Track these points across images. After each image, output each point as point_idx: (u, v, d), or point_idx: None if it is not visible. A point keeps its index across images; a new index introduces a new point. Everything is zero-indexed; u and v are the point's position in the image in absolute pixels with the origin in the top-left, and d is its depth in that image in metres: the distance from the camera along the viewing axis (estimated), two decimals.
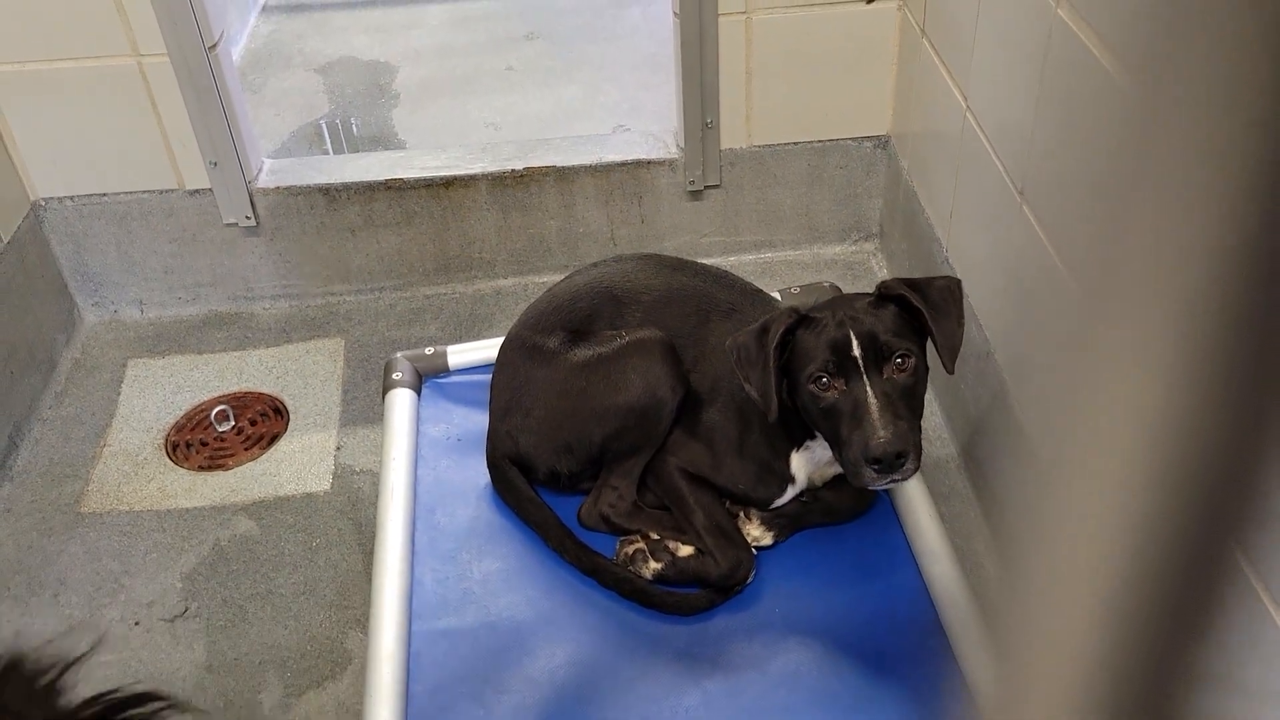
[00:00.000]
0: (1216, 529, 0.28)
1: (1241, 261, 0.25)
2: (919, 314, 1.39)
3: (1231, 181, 0.24)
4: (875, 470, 1.33)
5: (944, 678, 1.44)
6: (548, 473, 1.66)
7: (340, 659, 1.71)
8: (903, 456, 1.32)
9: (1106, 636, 0.30)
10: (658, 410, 1.58)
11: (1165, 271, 0.26)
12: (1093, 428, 0.29)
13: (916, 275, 2.16)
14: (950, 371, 1.41)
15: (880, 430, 1.32)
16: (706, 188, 2.38)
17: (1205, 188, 0.25)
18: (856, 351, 1.36)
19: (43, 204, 2.32)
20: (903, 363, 1.37)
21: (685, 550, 1.55)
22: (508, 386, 1.71)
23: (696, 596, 1.54)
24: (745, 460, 1.57)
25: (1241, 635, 0.97)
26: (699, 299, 1.67)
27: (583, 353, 1.64)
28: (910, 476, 1.37)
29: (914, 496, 1.67)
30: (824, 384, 1.38)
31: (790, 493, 1.58)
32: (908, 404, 1.37)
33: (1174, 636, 0.29)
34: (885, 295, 1.42)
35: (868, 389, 1.35)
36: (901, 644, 1.50)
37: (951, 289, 1.43)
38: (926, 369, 1.41)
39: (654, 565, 1.54)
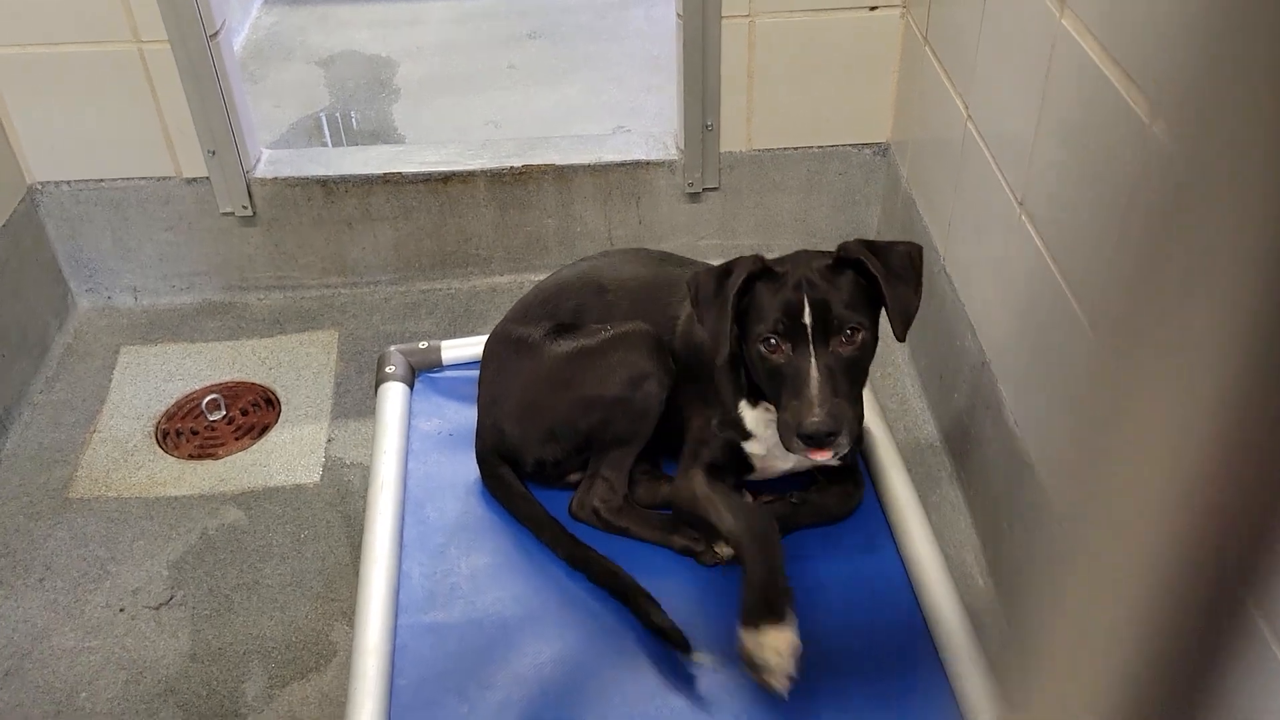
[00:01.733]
0: (1233, 583, 0.28)
1: (1275, 323, 0.24)
2: (876, 280, 1.39)
3: (1272, 241, 0.24)
4: (805, 444, 1.33)
5: (931, 685, 1.44)
6: (534, 463, 1.66)
7: (325, 651, 1.71)
8: (834, 435, 1.32)
9: (1121, 688, 0.30)
10: (643, 403, 1.58)
11: (1196, 328, 0.25)
12: (1112, 482, 0.29)
13: None
14: (901, 339, 1.41)
15: (816, 407, 1.32)
16: (705, 190, 2.38)
17: (1243, 247, 0.24)
18: (807, 319, 1.35)
19: (39, 188, 2.31)
20: (851, 336, 1.37)
21: (725, 550, 1.55)
22: (493, 379, 1.72)
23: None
24: (710, 407, 1.56)
25: (1255, 689, 0.96)
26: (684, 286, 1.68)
27: (567, 344, 1.65)
28: (842, 453, 1.37)
29: (905, 506, 1.67)
30: (771, 345, 1.37)
31: (755, 448, 1.55)
32: (850, 378, 1.37)
33: (1188, 689, 0.29)
34: (844, 259, 1.41)
35: (812, 360, 1.35)
36: (889, 651, 1.50)
37: (912, 255, 1.42)
38: (876, 340, 1.41)
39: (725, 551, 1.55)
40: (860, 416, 1.38)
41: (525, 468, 1.68)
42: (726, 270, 1.43)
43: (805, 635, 1.48)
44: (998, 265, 1.69)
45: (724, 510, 1.50)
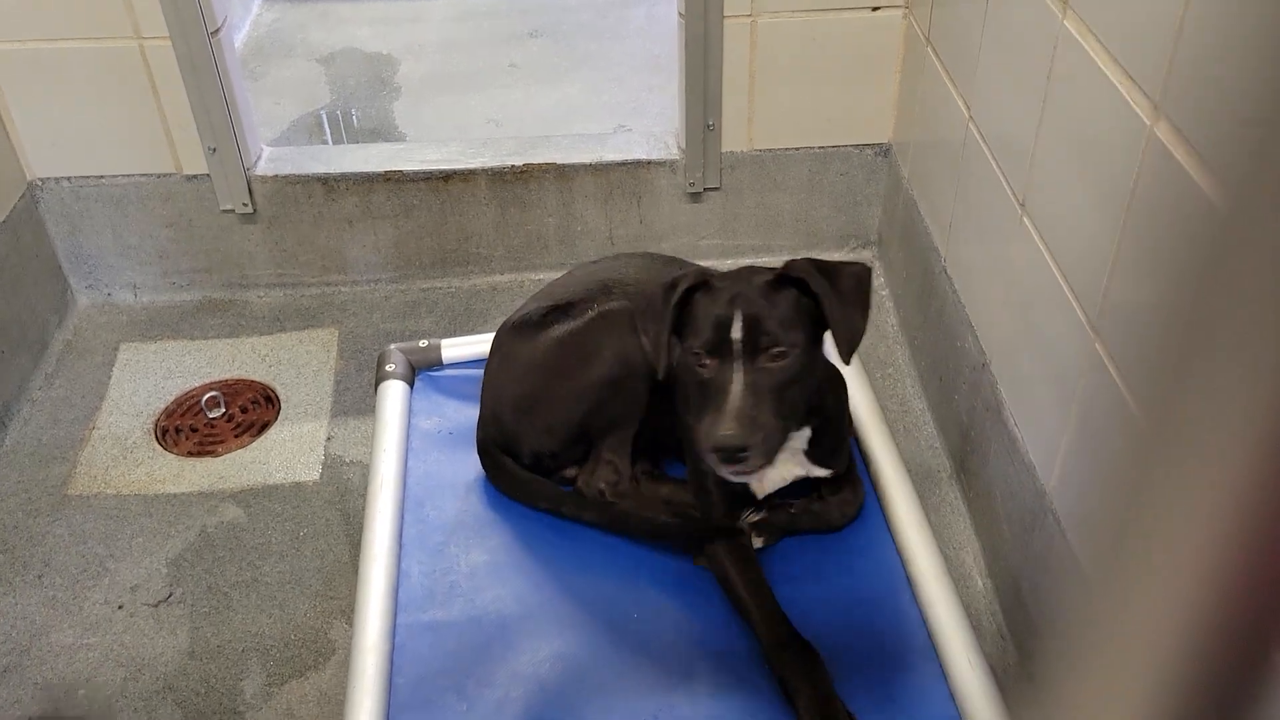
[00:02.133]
0: (1261, 633, 0.27)
1: None
2: (820, 301, 1.37)
3: None
4: (718, 458, 1.31)
5: (929, 684, 1.43)
6: (531, 455, 1.67)
7: (324, 649, 1.71)
8: (744, 451, 1.29)
9: None
10: (632, 379, 1.59)
11: (1237, 392, 0.25)
12: (1148, 547, 0.28)
13: (914, 286, 2.16)
14: (847, 363, 1.40)
15: (728, 421, 1.29)
16: (706, 190, 2.38)
17: None
18: (737, 334, 1.34)
19: (39, 184, 2.31)
20: (780, 355, 1.34)
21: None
22: (496, 369, 1.74)
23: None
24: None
25: None
26: None
27: (559, 329, 1.66)
28: (755, 471, 1.35)
29: (904, 506, 1.67)
30: (699, 359, 1.36)
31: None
32: (776, 397, 1.33)
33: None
34: (788, 277, 1.39)
35: (735, 375, 1.32)
36: (887, 651, 1.50)
37: (860, 277, 1.39)
38: (811, 363, 1.39)
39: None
40: (775, 441, 1.34)
41: (523, 459, 1.68)
42: (671, 284, 1.42)
43: (804, 634, 1.48)
44: (999, 266, 1.69)
45: (757, 618, 1.46)
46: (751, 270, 1.44)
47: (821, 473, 1.56)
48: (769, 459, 1.34)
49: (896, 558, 1.61)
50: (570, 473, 1.70)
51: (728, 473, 1.35)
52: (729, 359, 1.34)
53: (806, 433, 1.50)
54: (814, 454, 1.54)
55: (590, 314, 1.64)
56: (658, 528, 1.61)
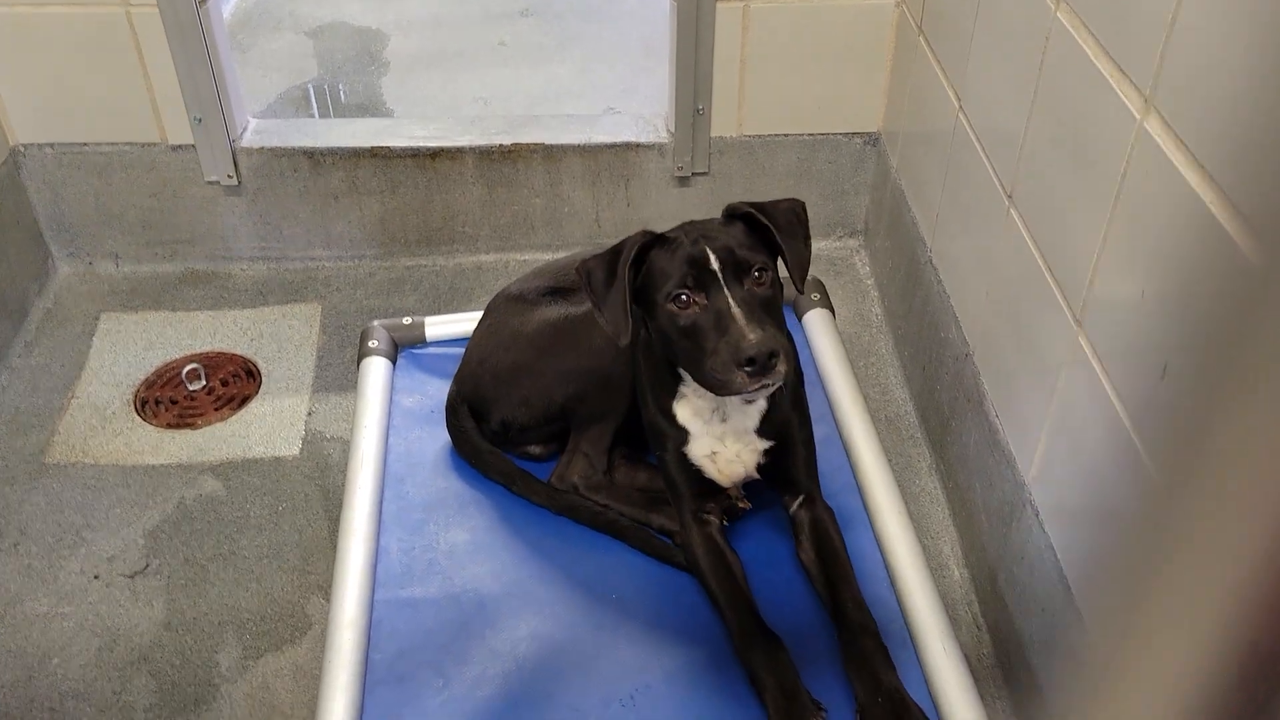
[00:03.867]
0: (1265, 678, 0.27)
1: None
2: (767, 232, 1.39)
3: None
4: (748, 373, 1.29)
5: (905, 672, 1.44)
6: (500, 423, 1.68)
7: (300, 624, 1.70)
8: (774, 356, 1.29)
9: None
10: (620, 376, 1.59)
11: (1261, 448, 0.24)
12: (1157, 609, 0.28)
13: (899, 275, 2.17)
14: (800, 290, 1.49)
15: (749, 333, 1.29)
16: (694, 175, 2.38)
17: None
18: (715, 265, 1.34)
19: (22, 150, 2.29)
20: (760, 275, 1.36)
21: None
22: (485, 332, 1.74)
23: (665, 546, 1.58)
24: (648, 411, 1.55)
25: None
26: None
27: (556, 310, 1.66)
28: (782, 380, 1.33)
29: (883, 495, 1.68)
30: (684, 301, 1.35)
31: (699, 448, 1.52)
32: (769, 313, 1.35)
33: None
34: (733, 214, 1.42)
35: (729, 299, 1.33)
36: None
37: (796, 210, 1.44)
38: (781, 286, 1.41)
39: None
40: (791, 350, 1.36)
41: (490, 424, 1.68)
42: (616, 249, 1.41)
43: (778, 613, 1.49)
44: (984, 258, 1.70)
45: (728, 614, 1.46)
46: (693, 222, 1.45)
47: (765, 444, 1.53)
48: (791, 365, 1.35)
49: (875, 546, 1.62)
50: (535, 450, 1.70)
51: (756, 386, 1.31)
52: (716, 288, 1.34)
53: (761, 405, 1.50)
54: (764, 429, 1.52)
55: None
56: (607, 522, 1.61)
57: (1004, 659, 1.60)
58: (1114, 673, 0.30)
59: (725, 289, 1.34)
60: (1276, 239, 0.24)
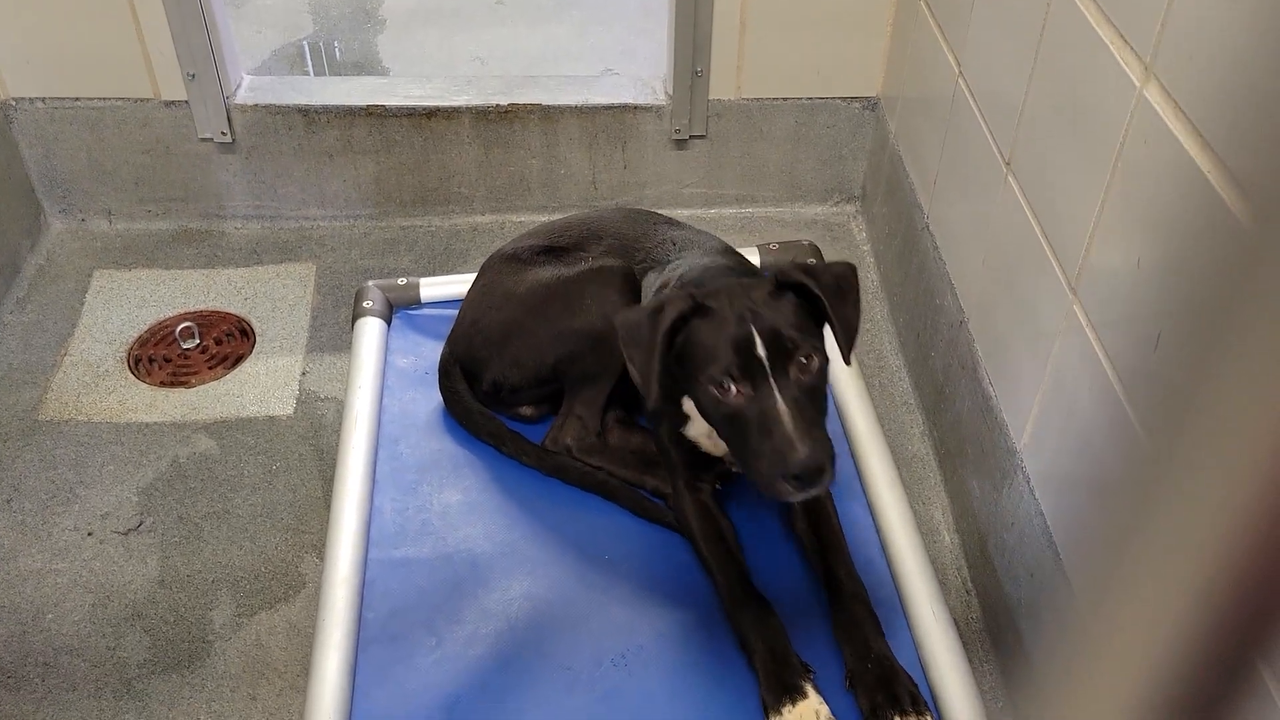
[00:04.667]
0: (1245, 643, 0.27)
1: None
2: (818, 301, 1.31)
3: None
4: (794, 485, 1.24)
5: (895, 636, 1.45)
6: (491, 384, 1.68)
7: (294, 582, 1.71)
8: (823, 470, 1.23)
9: None
10: (612, 339, 1.58)
11: (1251, 408, 0.24)
12: (1137, 565, 0.28)
13: (895, 242, 2.16)
14: (848, 363, 1.36)
15: (799, 446, 1.22)
16: (692, 137, 2.36)
17: None
18: (761, 351, 1.26)
19: (13, 104, 2.26)
20: (808, 362, 1.27)
21: None
22: (479, 292, 1.74)
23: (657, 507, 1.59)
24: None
25: None
26: (678, 243, 1.67)
27: (548, 271, 1.66)
28: (828, 484, 1.27)
29: (877, 460, 1.68)
30: (727, 388, 1.27)
31: (694, 429, 1.49)
32: (816, 407, 1.28)
33: None
34: (783, 283, 1.32)
35: (777, 396, 1.25)
36: None
37: (848, 275, 1.35)
38: (828, 362, 1.33)
39: None
40: (833, 452, 1.27)
41: (481, 384, 1.69)
42: (658, 309, 1.33)
43: (770, 575, 1.50)
44: (981, 224, 1.69)
45: (719, 579, 1.46)
46: (740, 284, 1.36)
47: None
48: (835, 470, 1.28)
49: (867, 511, 1.63)
50: (526, 411, 1.71)
51: (801, 495, 1.26)
52: (762, 379, 1.26)
53: None
54: None
55: (584, 265, 1.63)
56: (598, 483, 1.62)
57: (992, 623, 1.61)
58: (1097, 633, 0.31)
59: (772, 382, 1.25)
60: (1270, 205, 0.24)
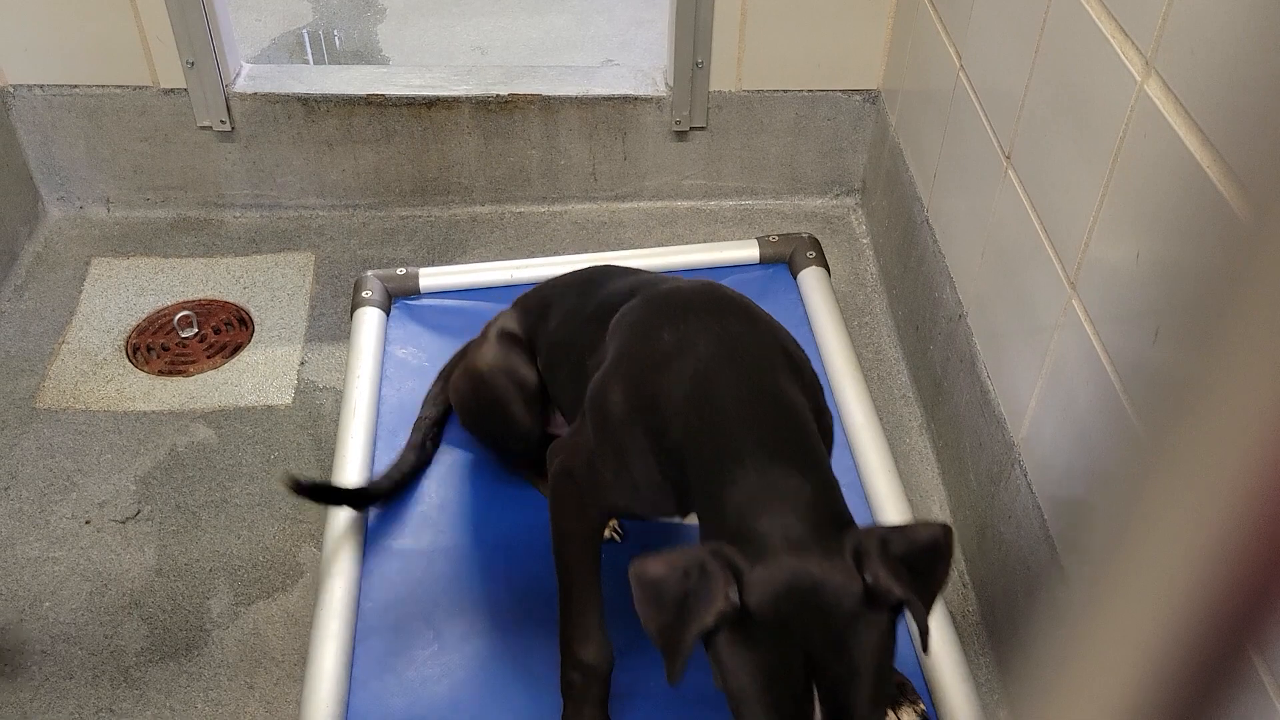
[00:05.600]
0: (1238, 632, 0.28)
1: None
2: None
3: None
4: None
5: None
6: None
7: (292, 571, 1.71)
8: None
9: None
10: (489, 395, 1.52)
11: (1244, 395, 0.25)
12: (1135, 551, 0.28)
13: (895, 235, 2.16)
14: (925, 651, 1.02)
15: None
16: (692, 129, 2.36)
17: None
18: (818, 712, 0.93)
19: (11, 91, 2.26)
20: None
21: None
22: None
23: None
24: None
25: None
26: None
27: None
28: None
29: (874, 454, 1.69)
30: None
31: None
32: None
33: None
34: (878, 600, 0.95)
35: None
36: None
37: (946, 552, 1.01)
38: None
39: None
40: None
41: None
42: (688, 593, 0.97)
43: None
44: (980, 218, 1.69)
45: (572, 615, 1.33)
46: (809, 577, 0.95)
47: None
48: None
49: (865, 504, 1.63)
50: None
51: None
52: None
53: None
54: None
55: (480, 338, 1.59)
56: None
57: (988, 616, 1.62)
58: (1091, 623, 0.31)
59: None
60: (1267, 199, 0.25)
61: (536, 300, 1.58)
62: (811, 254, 2.03)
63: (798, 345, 1.26)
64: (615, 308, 1.34)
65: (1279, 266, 0.24)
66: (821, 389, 1.24)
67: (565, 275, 1.61)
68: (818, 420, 1.16)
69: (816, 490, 1.04)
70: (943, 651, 1.43)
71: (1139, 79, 1.18)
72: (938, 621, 1.46)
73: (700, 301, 1.25)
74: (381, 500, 1.61)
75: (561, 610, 1.34)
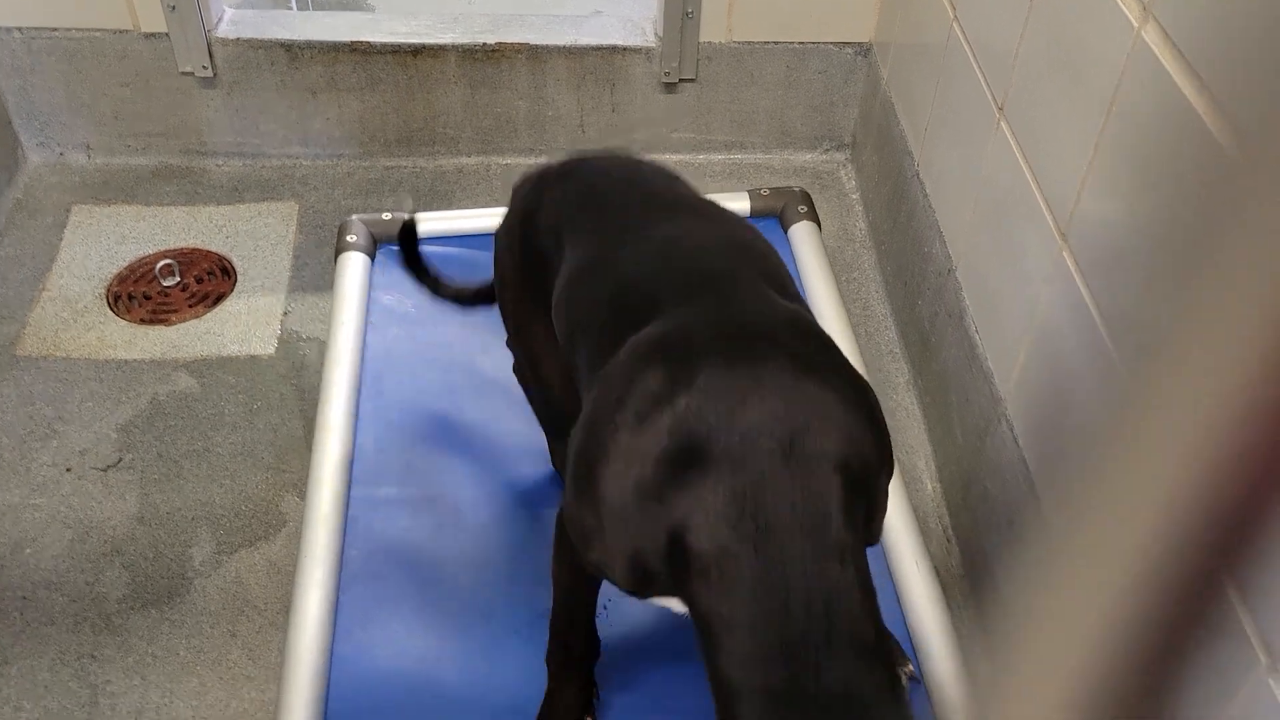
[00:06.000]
0: (1213, 569, 0.27)
1: None
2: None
3: None
4: None
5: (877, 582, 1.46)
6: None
7: (275, 521, 1.70)
8: None
9: (1098, 655, 0.29)
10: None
11: (1222, 326, 0.24)
12: (1112, 474, 0.28)
13: (885, 190, 2.14)
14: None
15: None
16: (681, 80, 2.33)
17: None
18: None
19: None
20: None
21: None
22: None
23: None
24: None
25: (1225, 664, 0.97)
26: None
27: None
28: None
29: None
30: None
31: None
32: None
33: (1158, 658, 0.29)
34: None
35: None
36: None
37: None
38: None
39: None
40: None
41: None
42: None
43: None
44: (972, 171, 1.68)
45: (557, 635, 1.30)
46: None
47: None
48: None
49: None
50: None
51: None
52: None
53: None
54: None
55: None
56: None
57: (972, 570, 1.62)
58: (1066, 567, 0.31)
59: None
60: (1262, 146, 0.24)
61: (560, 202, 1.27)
62: (803, 208, 2.02)
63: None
64: (641, 290, 1.09)
65: (1269, 212, 0.24)
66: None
67: (594, 163, 1.32)
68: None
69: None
70: (926, 605, 1.44)
71: (1136, 25, 1.17)
72: (922, 577, 1.46)
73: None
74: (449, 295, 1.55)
75: (552, 623, 1.31)
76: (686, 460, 0.91)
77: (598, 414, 0.99)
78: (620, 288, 1.11)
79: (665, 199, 1.25)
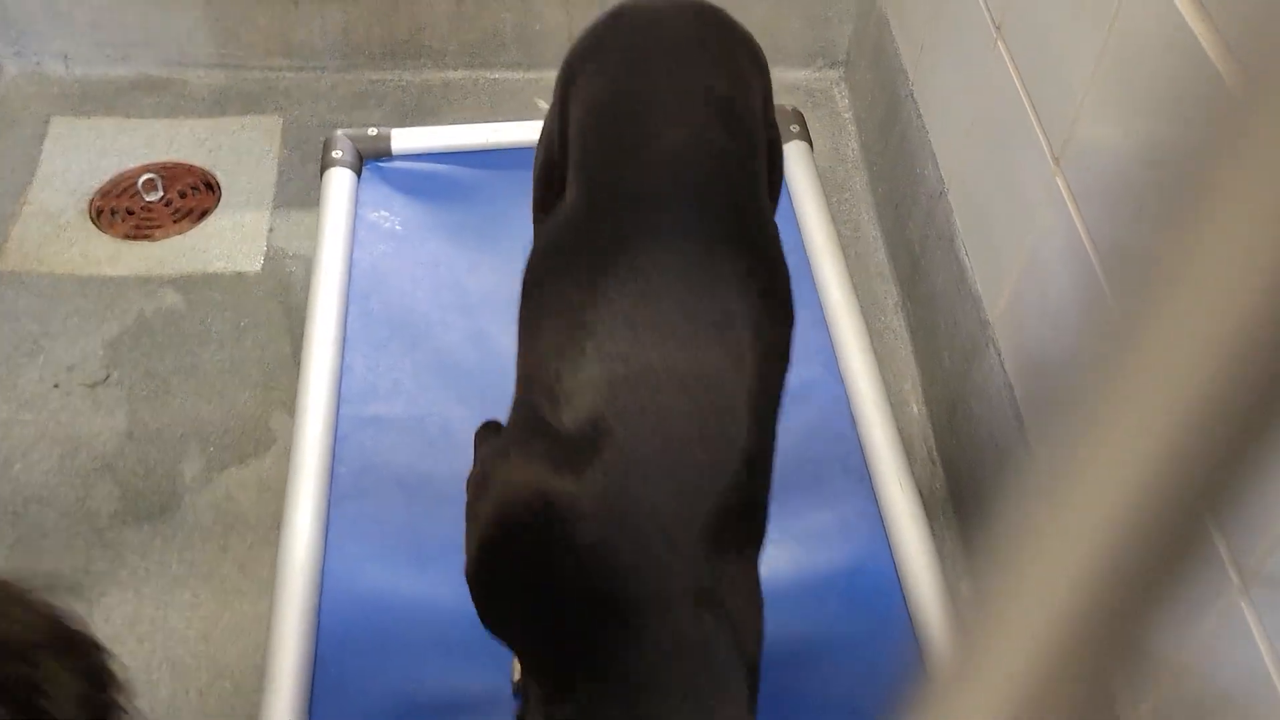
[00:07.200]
0: (1197, 500, 0.27)
1: None
2: None
3: None
4: None
5: (861, 505, 1.48)
6: None
7: (264, 438, 1.71)
8: None
9: (1082, 579, 0.30)
10: None
11: (1216, 261, 0.24)
12: (1099, 414, 0.28)
13: (878, 110, 2.12)
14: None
15: None
16: None
17: None
18: None
19: None
20: None
21: None
22: None
23: None
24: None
25: (1207, 603, 0.99)
26: None
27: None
28: None
29: (849, 332, 1.68)
30: None
31: None
32: None
33: (1139, 599, 0.29)
34: None
35: None
36: (821, 472, 1.54)
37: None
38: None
39: None
40: None
41: None
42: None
43: None
44: (967, 92, 1.66)
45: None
46: None
47: None
48: None
49: (839, 381, 1.64)
50: None
51: None
52: None
53: None
54: None
55: None
56: None
57: (955, 492, 1.65)
58: (1050, 490, 0.31)
59: None
60: (1261, 75, 0.24)
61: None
62: (795, 128, 1.99)
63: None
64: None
65: (1268, 143, 0.23)
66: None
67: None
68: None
69: None
70: (909, 525, 1.46)
71: None
72: (906, 499, 1.48)
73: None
74: None
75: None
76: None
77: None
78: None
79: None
